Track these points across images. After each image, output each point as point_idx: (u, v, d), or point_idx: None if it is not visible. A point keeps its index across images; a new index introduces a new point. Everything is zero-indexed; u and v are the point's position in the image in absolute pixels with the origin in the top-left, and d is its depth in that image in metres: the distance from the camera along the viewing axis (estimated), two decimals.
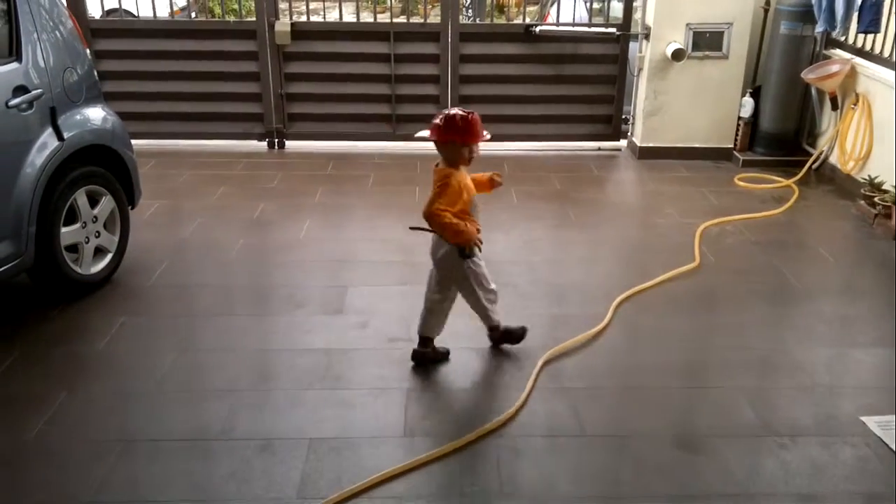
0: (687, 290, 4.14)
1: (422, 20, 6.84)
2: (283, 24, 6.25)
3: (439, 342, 3.40)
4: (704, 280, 4.27)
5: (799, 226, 5.05)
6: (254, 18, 6.35)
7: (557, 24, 6.55)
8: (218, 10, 10.17)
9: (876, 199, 4.98)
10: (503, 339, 3.48)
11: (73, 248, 3.86)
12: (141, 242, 4.44)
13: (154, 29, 6.42)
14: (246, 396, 3.15)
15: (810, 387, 3.27)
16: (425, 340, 3.37)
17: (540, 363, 3.35)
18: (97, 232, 4.00)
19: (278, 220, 5.07)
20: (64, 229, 3.77)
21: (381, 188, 5.67)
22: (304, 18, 6.53)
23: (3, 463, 2.77)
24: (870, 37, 5.48)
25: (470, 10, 11.66)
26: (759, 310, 3.94)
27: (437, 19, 6.37)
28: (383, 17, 7.12)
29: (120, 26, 6.54)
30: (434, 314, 3.33)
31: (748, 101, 6.17)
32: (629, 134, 6.62)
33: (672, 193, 5.61)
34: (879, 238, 4.82)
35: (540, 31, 6.36)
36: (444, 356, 3.40)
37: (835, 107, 5.77)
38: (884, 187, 5.05)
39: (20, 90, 3.53)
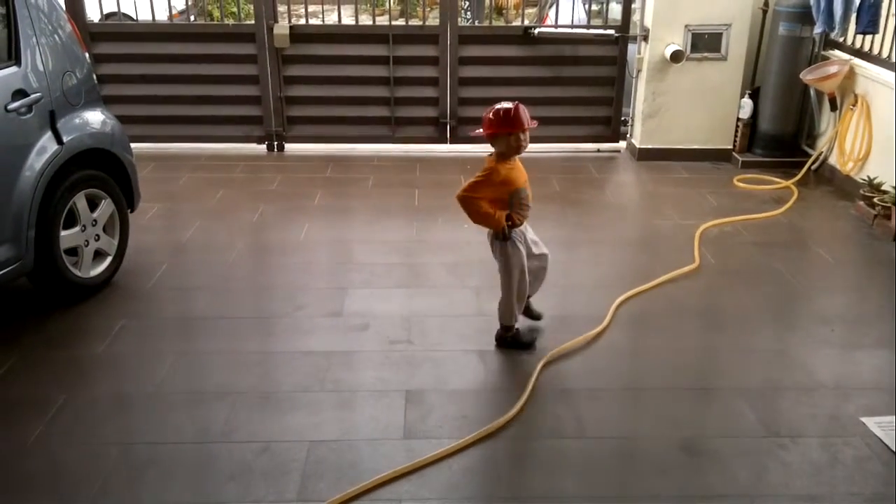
0: (687, 291, 4.14)
1: (420, 23, 6.85)
2: (281, 28, 6.25)
3: (444, 340, 3.40)
4: (704, 281, 4.27)
5: (798, 227, 5.05)
6: (253, 22, 6.36)
7: (556, 26, 6.55)
8: (217, 14, 10.17)
9: (875, 200, 4.98)
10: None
11: (73, 252, 3.86)
12: (140, 245, 4.44)
13: (153, 32, 6.43)
14: (246, 399, 3.15)
15: (810, 388, 3.27)
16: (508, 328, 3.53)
17: (540, 365, 3.35)
18: (97, 235, 4.00)
19: (278, 222, 5.07)
20: (63, 233, 3.77)
21: (381, 190, 5.67)
22: (302, 21, 6.54)
23: (2, 466, 2.76)
24: (868, 37, 5.48)
25: (469, 13, 11.67)
26: (759, 311, 3.94)
27: (436, 22, 6.38)
28: (382, 20, 7.13)
29: (119, 30, 6.54)
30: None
31: (747, 103, 6.18)
32: (628, 135, 6.63)
33: (671, 195, 5.61)
34: (879, 239, 4.82)
35: (539, 32, 6.37)
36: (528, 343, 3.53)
37: (834, 108, 5.77)
38: (883, 188, 5.05)
39: (19, 94, 3.53)
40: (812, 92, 6.03)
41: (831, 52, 5.94)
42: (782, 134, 6.15)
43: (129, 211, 4.26)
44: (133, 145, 4.36)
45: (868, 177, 5.20)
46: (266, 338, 3.67)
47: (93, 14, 6.48)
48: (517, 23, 6.69)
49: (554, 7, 7.25)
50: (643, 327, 3.79)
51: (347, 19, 6.84)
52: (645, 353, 3.58)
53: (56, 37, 3.86)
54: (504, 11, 10.89)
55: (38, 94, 3.63)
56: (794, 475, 2.74)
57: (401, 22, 6.66)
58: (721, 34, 6.03)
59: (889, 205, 4.84)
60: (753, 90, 6.21)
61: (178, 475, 2.72)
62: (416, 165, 6.14)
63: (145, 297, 4.02)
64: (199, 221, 4.99)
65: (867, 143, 5.41)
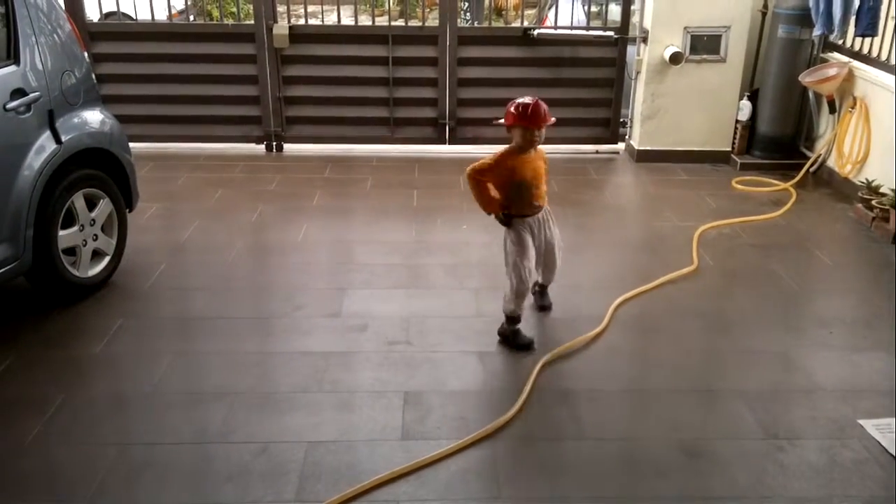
0: (685, 292, 4.14)
1: (420, 23, 6.85)
2: (281, 28, 6.25)
3: (443, 341, 3.39)
4: (702, 283, 4.27)
5: (796, 229, 5.05)
6: (252, 22, 6.36)
7: (555, 28, 6.56)
8: (216, 14, 10.16)
9: (873, 203, 4.98)
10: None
11: (71, 251, 3.85)
12: (139, 245, 4.43)
13: (152, 32, 6.42)
14: (244, 399, 3.14)
15: (809, 390, 3.27)
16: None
17: (539, 365, 3.34)
18: (95, 235, 3.99)
19: (277, 222, 5.07)
20: (62, 232, 3.76)
21: (380, 191, 5.67)
22: (302, 22, 6.54)
23: (0, 466, 2.76)
24: (867, 40, 5.49)
25: (468, 14, 11.66)
26: (757, 313, 3.94)
27: (436, 22, 6.38)
28: (381, 21, 7.13)
29: (118, 29, 6.53)
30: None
31: (746, 105, 6.18)
32: (627, 137, 6.63)
33: (670, 196, 5.61)
34: (877, 241, 4.82)
35: (538, 34, 6.36)
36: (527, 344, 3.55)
37: (832, 110, 5.78)
38: (881, 190, 5.05)
39: (18, 93, 3.52)
40: (811, 94, 6.04)
41: (830, 54, 5.95)
42: (781, 136, 6.16)
43: (127, 211, 4.26)
44: (132, 145, 4.35)
45: (866, 179, 5.21)
46: (264, 338, 3.67)
47: (92, 13, 6.48)
48: (516, 24, 6.70)
49: (553, 8, 7.25)
50: (642, 329, 3.79)
51: (347, 20, 6.85)
52: (644, 355, 3.58)
53: (55, 36, 3.85)
54: (503, 12, 10.91)
55: (37, 94, 3.62)
56: (793, 477, 2.74)
57: (400, 22, 6.68)
58: (720, 36, 6.04)
59: (887, 207, 4.84)
60: (752, 92, 6.22)
61: (176, 476, 2.72)
62: (415, 166, 6.14)
63: (143, 296, 4.02)
64: (197, 221, 4.98)
65: (866, 145, 5.42)
